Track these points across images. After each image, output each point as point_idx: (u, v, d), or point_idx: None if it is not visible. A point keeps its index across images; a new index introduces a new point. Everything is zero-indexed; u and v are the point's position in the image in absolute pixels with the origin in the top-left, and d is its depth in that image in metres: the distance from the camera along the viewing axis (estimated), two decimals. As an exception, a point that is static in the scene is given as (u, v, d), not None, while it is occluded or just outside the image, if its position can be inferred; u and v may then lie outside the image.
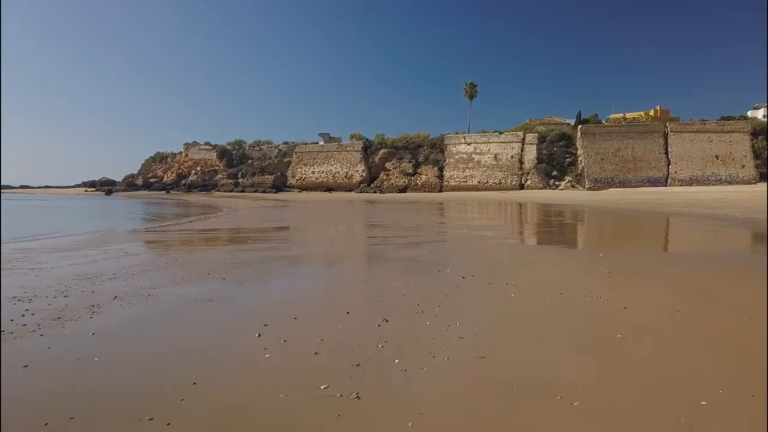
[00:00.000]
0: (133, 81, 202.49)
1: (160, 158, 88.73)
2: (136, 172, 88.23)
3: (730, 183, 53.88)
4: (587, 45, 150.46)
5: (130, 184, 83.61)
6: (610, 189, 53.37)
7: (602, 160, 57.81)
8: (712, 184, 53.34)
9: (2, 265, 6.89)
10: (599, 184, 55.69)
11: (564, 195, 44.76)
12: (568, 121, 67.06)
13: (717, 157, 56.55)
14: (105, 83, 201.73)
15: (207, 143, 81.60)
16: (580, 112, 66.19)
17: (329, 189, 65.52)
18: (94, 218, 24.97)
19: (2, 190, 61.05)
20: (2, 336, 3.61)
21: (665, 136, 57.12)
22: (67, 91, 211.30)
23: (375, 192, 60.88)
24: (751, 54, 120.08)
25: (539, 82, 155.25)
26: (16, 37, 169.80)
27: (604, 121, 65.30)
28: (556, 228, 15.01)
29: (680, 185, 53.87)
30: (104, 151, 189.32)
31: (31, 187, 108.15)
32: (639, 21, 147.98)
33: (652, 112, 67.74)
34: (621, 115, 68.95)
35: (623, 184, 55.53)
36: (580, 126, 59.67)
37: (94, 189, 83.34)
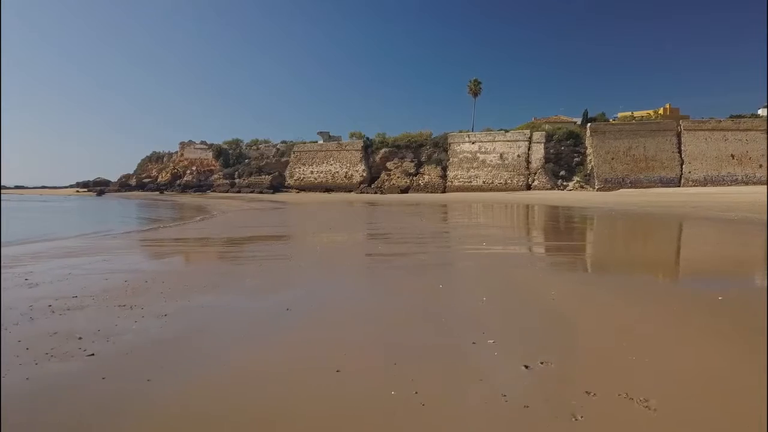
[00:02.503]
0: (131, 78, 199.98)
1: (156, 158, 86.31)
2: (132, 172, 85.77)
3: (746, 183, 51.20)
4: (589, 44, 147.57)
5: (123, 185, 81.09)
6: (621, 189, 50.81)
7: (612, 159, 55.11)
8: (728, 185, 50.71)
9: None
10: (609, 185, 53.05)
11: (576, 196, 42.08)
12: (574, 119, 64.43)
13: (733, 156, 53.86)
14: (103, 81, 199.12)
15: (203, 142, 79.14)
16: (586, 110, 63.56)
17: (328, 189, 62.95)
18: (65, 222, 22.54)
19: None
20: None
21: (678, 135, 54.43)
22: (66, 89, 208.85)
23: (376, 192, 58.30)
24: (757, 53, 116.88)
25: (541, 81, 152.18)
26: (11, 32, 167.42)
27: (611, 120, 62.59)
28: (600, 241, 12.18)
29: (694, 185, 51.27)
30: (104, 150, 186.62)
31: (27, 188, 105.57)
32: (641, 20, 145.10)
33: (661, 111, 65.10)
34: (629, 113, 66.34)
35: (634, 184, 52.85)
36: (589, 124, 57.03)
37: (86, 189, 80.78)
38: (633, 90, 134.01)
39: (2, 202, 33.41)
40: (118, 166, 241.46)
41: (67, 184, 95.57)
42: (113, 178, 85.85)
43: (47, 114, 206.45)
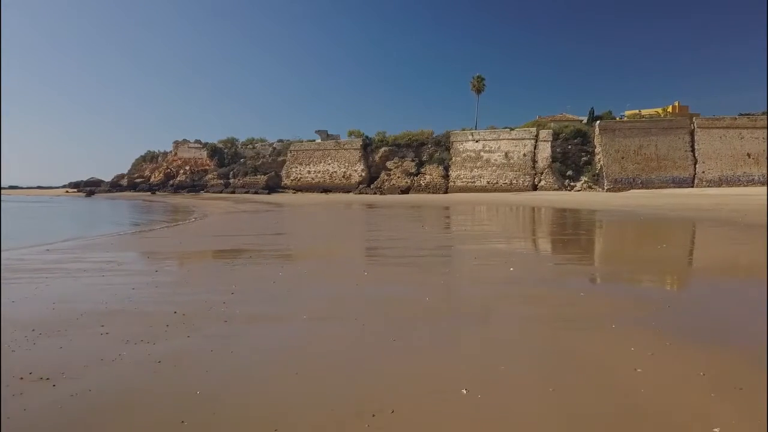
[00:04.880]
0: (129, 76, 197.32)
1: (150, 157, 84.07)
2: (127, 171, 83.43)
3: (763, 184, 48.58)
4: (591, 43, 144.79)
5: (114, 185, 78.81)
6: (632, 190, 48.29)
7: (623, 158, 52.50)
8: (744, 185, 48.22)
9: None
10: (620, 185, 50.51)
11: (588, 198, 39.45)
12: (580, 118, 61.91)
13: (749, 155, 51.21)
14: (104, 80, 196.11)
15: (197, 141, 76.76)
16: (593, 108, 60.87)
17: (326, 190, 60.48)
18: (21, 229, 20.11)
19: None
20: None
21: (691, 133, 51.82)
22: (65, 88, 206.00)
23: (375, 193, 55.83)
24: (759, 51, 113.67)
25: (544, 80, 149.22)
26: (10, 31, 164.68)
27: (618, 118, 60.02)
28: (681, 267, 8.73)
29: (708, 186, 48.72)
30: (104, 150, 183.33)
31: (20, 188, 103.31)
32: (643, 20, 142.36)
33: (670, 108, 62.50)
34: (636, 111, 63.75)
35: (645, 185, 50.28)
36: (598, 122, 54.46)
37: (76, 190, 78.38)
38: (638, 88, 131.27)
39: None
40: (117, 165, 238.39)
41: (62, 184, 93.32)
42: (111, 177, 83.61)
43: (46, 114, 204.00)
